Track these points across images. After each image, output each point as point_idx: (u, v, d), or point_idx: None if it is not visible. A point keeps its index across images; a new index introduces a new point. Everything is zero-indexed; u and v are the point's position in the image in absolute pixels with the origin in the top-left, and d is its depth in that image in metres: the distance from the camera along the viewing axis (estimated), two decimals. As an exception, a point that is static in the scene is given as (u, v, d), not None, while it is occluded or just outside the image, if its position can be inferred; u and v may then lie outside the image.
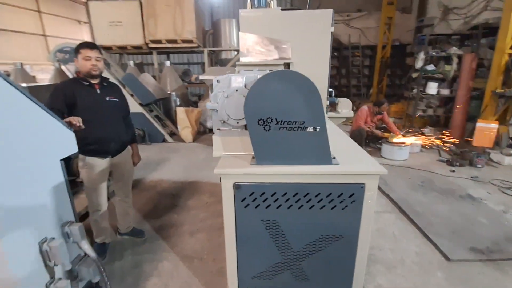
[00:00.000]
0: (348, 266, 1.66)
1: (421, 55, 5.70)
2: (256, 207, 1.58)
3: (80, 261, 1.72)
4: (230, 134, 1.76)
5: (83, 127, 1.86)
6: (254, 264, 1.71)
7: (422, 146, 5.27)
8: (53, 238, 1.53)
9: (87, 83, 2.20)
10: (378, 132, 5.13)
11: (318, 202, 1.54)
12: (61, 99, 2.07)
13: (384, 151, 4.93)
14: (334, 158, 1.61)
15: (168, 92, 6.80)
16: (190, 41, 7.06)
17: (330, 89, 3.13)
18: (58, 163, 1.65)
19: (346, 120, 3.58)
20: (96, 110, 2.21)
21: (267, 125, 1.47)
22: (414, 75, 6.10)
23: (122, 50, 7.31)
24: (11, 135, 1.30)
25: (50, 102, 2.06)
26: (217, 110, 1.70)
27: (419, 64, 5.74)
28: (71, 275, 1.62)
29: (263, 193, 1.55)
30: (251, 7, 2.46)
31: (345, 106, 3.08)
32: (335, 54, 11.06)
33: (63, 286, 1.55)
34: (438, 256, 2.42)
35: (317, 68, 2.43)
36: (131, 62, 6.75)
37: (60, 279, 1.57)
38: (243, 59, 2.45)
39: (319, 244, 1.63)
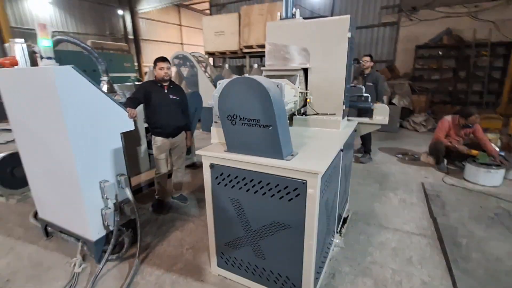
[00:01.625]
0: (297, 254, 1.81)
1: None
2: (225, 185, 1.97)
3: (125, 202, 2.55)
4: (224, 126, 2.19)
5: (135, 118, 2.67)
6: (225, 233, 2.11)
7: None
8: (107, 181, 2.37)
9: (160, 85, 3.08)
10: (462, 148, 4.23)
11: (269, 190, 1.79)
12: (141, 92, 3.01)
13: (467, 172, 4.06)
14: (291, 155, 1.80)
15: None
16: (277, 46, 7.64)
17: (366, 94, 3.05)
18: (118, 134, 2.50)
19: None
20: (162, 104, 3.08)
21: (233, 120, 1.83)
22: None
23: (222, 55, 8.67)
24: (93, 114, 2.20)
25: (134, 92, 3.04)
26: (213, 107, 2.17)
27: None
28: (117, 208, 2.45)
29: (229, 175, 1.93)
30: (280, 19, 2.75)
31: (380, 112, 2.93)
32: (452, 53, 9.22)
33: (108, 212, 2.38)
34: (451, 293, 2.08)
35: (334, 73, 2.50)
36: (226, 65, 7.96)
37: (109, 208, 2.42)
38: (268, 66, 2.79)
39: (272, 228, 1.86)
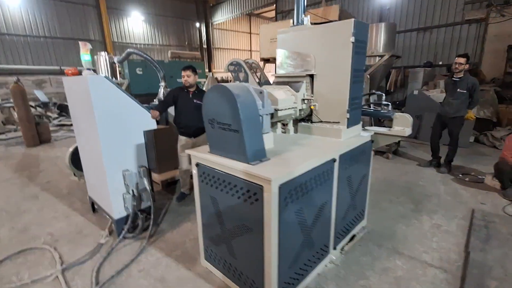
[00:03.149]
0: (259, 257, 1.84)
1: None
2: (206, 183, 2.13)
3: (143, 190, 2.96)
4: (217, 129, 2.35)
5: (157, 118, 3.08)
6: (209, 228, 2.26)
7: None
8: (129, 170, 2.82)
9: (186, 90, 3.48)
10: (538, 173, 3.34)
11: (236, 192, 1.87)
12: (171, 97, 3.46)
13: (544, 204, 3.21)
14: (261, 160, 1.84)
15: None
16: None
17: (387, 102, 2.80)
18: (141, 132, 2.93)
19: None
20: (187, 107, 3.46)
21: (212, 124, 1.99)
22: None
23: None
24: (119, 114, 2.66)
25: (165, 97, 3.50)
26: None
27: None
28: (135, 194, 2.87)
29: (209, 174, 2.08)
30: (291, 26, 2.76)
31: (400, 123, 2.64)
32: None
33: (127, 197, 2.82)
34: None
35: (338, 80, 2.41)
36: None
37: (128, 193, 2.86)
38: (277, 73, 2.85)
39: (240, 229, 1.94)
